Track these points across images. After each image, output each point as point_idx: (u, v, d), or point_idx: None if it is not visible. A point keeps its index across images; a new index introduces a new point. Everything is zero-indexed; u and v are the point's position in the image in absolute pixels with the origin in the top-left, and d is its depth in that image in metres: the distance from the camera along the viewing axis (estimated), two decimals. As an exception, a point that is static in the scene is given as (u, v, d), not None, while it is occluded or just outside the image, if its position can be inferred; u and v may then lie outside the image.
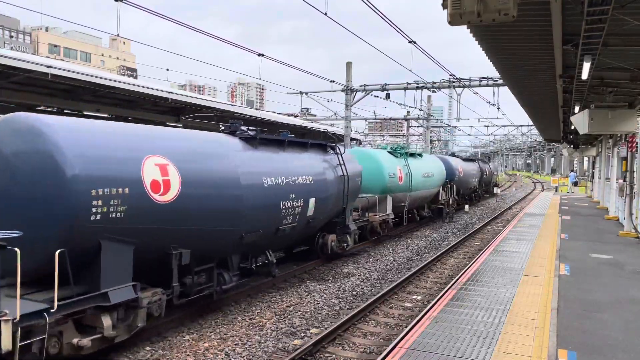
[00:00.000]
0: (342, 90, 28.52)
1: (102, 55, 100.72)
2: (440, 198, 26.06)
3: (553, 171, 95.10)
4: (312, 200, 12.27)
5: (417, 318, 8.63)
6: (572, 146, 38.84)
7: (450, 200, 27.59)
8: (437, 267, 15.34)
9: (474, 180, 34.66)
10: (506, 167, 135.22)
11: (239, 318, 10.07)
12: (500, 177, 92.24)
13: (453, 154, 35.38)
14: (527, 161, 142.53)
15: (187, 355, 8.20)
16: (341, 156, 14.24)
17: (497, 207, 35.63)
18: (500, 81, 24.45)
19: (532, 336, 7.28)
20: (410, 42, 14.56)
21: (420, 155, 24.15)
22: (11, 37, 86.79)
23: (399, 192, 19.94)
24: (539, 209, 26.64)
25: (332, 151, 14.31)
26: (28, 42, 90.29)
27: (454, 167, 28.95)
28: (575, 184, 46.60)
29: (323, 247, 14.36)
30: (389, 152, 20.58)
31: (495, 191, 46.60)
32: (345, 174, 14.05)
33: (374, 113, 43.60)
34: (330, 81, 25.91)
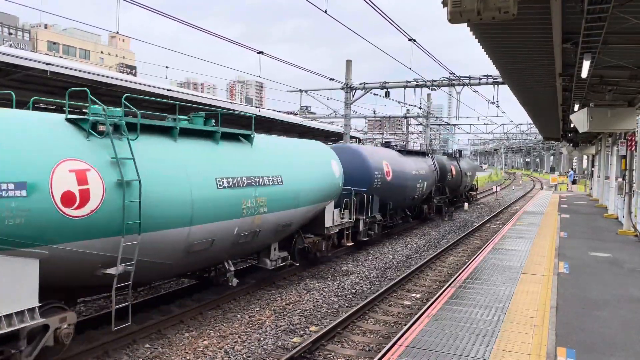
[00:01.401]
0: (342, 88, 28.50)
1: (102, 52, 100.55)
2: (329, 224, 13.92)
3: (552, 169, 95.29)
4: None
5: (417, 316, 8.64)
6: (571, 144, 38.89)
7: (361, 225, 16.43)
8: (436, 265, 15.35)
9: (421, 185, 21.87)
10: (505, 165, 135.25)
11: (238, 316, 10.08)
12: (497, 176, 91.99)
13: (387, 144, 22.76)
14: (527, 159, 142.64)
15: (187, 352, 8.21)
16: None
17: (497, 205, 35.66)
18: (500, 79, 24.46)
19: (531, 334, 7.29)
20: (410, 39, 14.55)
21: (233, 136, 10.63)
22: (10, 34, 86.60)
23: (75, 241, 6.87)
24: (538, 207, 26.66)
25: None
26: (27, 40, 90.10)
27: (370, 166, 17.12)
28: (574, 182, 46.70)
29: None
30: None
31: (500, 193, 41.92)
32: None
33: (374, 111, 43.59)
34: (330, 79, 25.90)
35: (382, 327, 9.73)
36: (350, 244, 15.84)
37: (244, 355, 8.15)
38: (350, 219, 15.52)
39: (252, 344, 8.65)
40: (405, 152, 22.11)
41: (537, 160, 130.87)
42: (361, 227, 16.51)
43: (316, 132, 34.00)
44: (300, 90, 31.49)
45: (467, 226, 24.28)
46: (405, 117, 45.51)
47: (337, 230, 14.71)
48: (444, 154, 32.07)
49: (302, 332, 9.30)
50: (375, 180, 17.26)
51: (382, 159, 18.40)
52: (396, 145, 22.59)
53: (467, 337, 7.15)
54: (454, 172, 29.35)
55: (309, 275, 13.61)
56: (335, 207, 14.47)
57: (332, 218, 14.15)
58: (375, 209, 17.66)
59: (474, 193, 38.29)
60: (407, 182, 20.21)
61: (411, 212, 23.58)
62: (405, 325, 9.44)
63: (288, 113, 38.59)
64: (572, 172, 53.00)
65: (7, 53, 13.19)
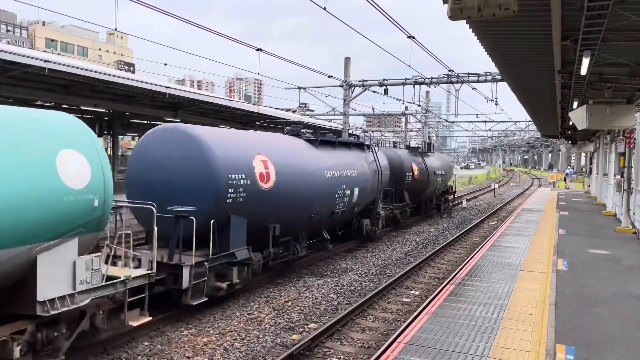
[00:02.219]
0: (341, 86, 28.47)
1: (100, 50, 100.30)
2: (54, 292, 6.58)
3: (551, 167, 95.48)
4: None
5: (416, 313, 8.65)
6: (569, 142, 38.91)
7: (185, 276, 9.10)
8: (435, 263, 15.37)
9: (347, 193, 14.88)
10: (504, 162, 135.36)
11: (237, 313, 10.08)
12: (495, 174, 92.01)
13: (293, 130, 14.73)
14: (525, 157, 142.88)
15: (186, 350, 8.21)
16: None
17: (495, 203, 35.70)
18: (499, 77, 24.46)
19: (530, 331, 7.30)
20: (409, 37, 14.53)
21: None
22: (8, 31, 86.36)
23: None
24: (537, 204, 26.69)
25: None
26: (25, 37, 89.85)
27: (216, 166, 10.09)
28: (564, 179, 47.01)
29: None
30: None
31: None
32: None
33: (372, 109, 43.58)
34: (329, 76, 25.87)
35: (381, 325, 9.73)
36: (142, 321, 8.03)
37: (243, 353, 8.15)
38: (149, 268, 8.29)
39: (251, 341, 8.65)
40: (320, 142, 14.38)
41: (536, 157, 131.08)
42: (186, 281, 9.12)
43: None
44: (299, 88, 31.44)
45: (466, 223, 24.30)
46: (404, 114, 45.49)
47: (94, 299, 7.17)
48: (407, 147, 24.88)
49: (301, 330, 9.30)
50: (232, 192, 10.14)
51: (256, 152, 11.03)
52: (311, 132, 15.01)
53: (467, 334, 7.16)
54: (416, 172, 22.66)
55: (307, 273, 13.61)
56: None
57: (72, 278, 6.87)
58: (238, 241, 10.45)
59: (450, 197, 28.94)
60: (313, 190, 12.89)
61: (342, 231, 17.20)
62: (404, 322, 9.45)
63: (287, 110, 38.55)
64: (570, 169, 53.18)
65: (5, 50, 13.15)
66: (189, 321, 9.53)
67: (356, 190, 15.60)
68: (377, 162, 17.59)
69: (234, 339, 8.71)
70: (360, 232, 17.49)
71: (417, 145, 25.74)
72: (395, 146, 26.82)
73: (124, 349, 8.14)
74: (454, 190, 31.11)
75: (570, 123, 21.65)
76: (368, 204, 17.37)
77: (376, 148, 17.93)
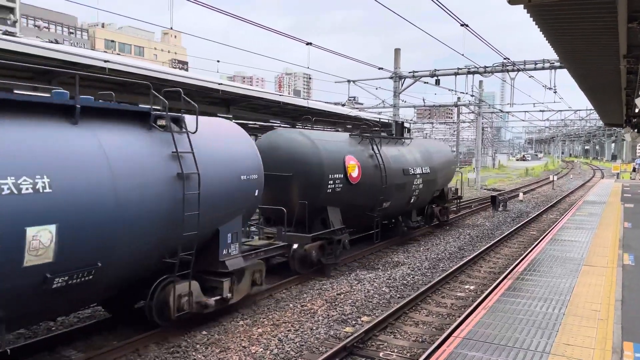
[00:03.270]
0: (390, 77, 28.13)
1: (155, 49, 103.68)
2: None
3: (614, 157, 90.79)
4: None
5: (472, 307, 8.46)
6: (636, 130, 36.80)
7: None
8: (490, 257, 14.97)
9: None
10: (562, 153, 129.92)
11: (291, 305, 10.20)
12: (553, 165, 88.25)
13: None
14: (586, 147, 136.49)
15: (242, 340, 8.39)
16: None
17: (554, 195, 34.35)
18: (558, 64, 23.43)
19: (594, 328, 6.98)
20: (462, 25, 14.14)
21: None
22: (70, 33, 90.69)
23: None
24: (599, 196, 25.43)
25: None
26: (85, 39, 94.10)
27: None
28: (634, 169, 44.49)
29: None
30: None
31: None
32: None
33: (423, 100, 42.80)
34: (379, 68, 25.61)
35: (435, 319, 9.59)
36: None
37: (297, 344, 8.24)
38: None
39: (305, 332, 8.73)
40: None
41: (597, 147, 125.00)
42: None
43: (366, 123, 33.69)
44: (348, 81, 31.31)
45: (523, 217, 23.51)
46: (456, 105, 44.47)
47: None
48: (363, 131, 15.26)
49: (354, 322, 9.30)
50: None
51: None
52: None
53: (527, 329, 6.93)
54: (355, 172, 13.32)
55: (359, 266, 13.59)
56: None
57: None
58: None
59: (452, 206, 20.19)
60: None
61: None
62: (459, 317, 9.26)
63: (335, 104, 38.52)
64: (638, 159, 50.46)
65: (67, 51, 13.81)
66: (244, 312, 9.74)
67: (52, 236, 5.89)
68: (186, 157, 8.07)
69: (287, 330, 8.82)
70: (164, 314, 7.96)
71: (377, 127, 16.05)
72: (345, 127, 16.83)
73: (184, 338, 8.41)
74: (459, 195, 20.54)
75: (637, 110, 20.49)
76: (156, 259, 7.66)
77: (187, 124, 8.62)
